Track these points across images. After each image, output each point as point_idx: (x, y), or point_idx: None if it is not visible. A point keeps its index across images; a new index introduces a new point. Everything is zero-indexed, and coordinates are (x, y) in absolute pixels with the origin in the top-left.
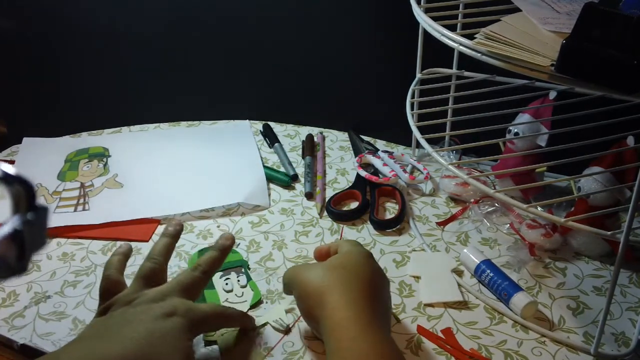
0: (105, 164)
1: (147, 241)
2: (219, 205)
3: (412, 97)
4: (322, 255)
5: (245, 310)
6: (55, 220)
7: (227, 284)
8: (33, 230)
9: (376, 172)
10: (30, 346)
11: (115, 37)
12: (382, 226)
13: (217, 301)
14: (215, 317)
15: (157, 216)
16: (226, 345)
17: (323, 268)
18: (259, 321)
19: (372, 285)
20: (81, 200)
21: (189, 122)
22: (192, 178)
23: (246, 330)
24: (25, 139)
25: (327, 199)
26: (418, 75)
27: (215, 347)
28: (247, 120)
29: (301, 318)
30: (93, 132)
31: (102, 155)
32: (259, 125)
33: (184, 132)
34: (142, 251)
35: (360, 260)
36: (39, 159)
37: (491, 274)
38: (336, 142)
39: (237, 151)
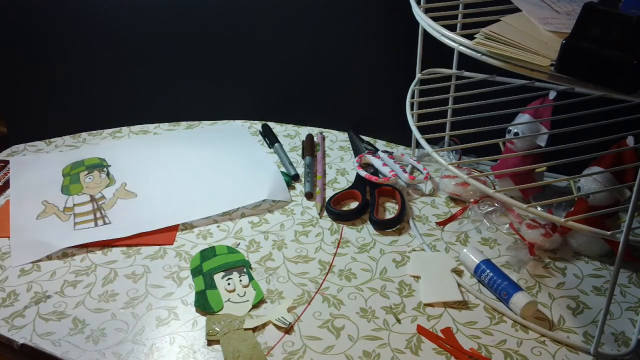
0: (108, 174)
1: (172, 244)
2: (244, 205)
3: (412, 97)
4: None
5: (247, 309)
6: (78, 237)
7: (229, 284)
8: None
9: (376, 172)
10: (30, 346)
11: (115, 37)
12: (382, 226)
13: (220, 301)
14: None
15: (185, 222)
16: (229, 345)
17: None
18: (261, 320)
19: None
20: (98, 214)
21: (189, 123)
22: (208, 181)
23: None
24: (12, 159)
25: (327, 199)
26: (418, 76)
27: (217, 346)
28: (240, 121)
29: (301, 317)
30: (93, 132)
31: (100, 165)
32: (258, 125)
33: (182, 136)
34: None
35: None
36: (34, 176)
37: (491, 274)
38: (336, 142)
39: (244, 151)
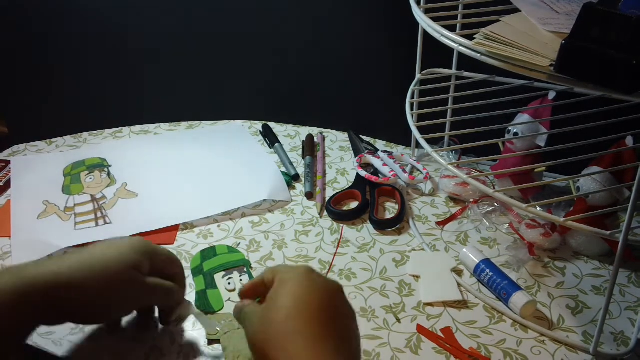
0: (109, 174)
1: (172, 244)
2: (245, 205)
3: (412, 97)
4: (250, 293)
5: None
6: (79, 237)
7: (229, 283)
8: None
9: (376, 172)
10: (30, 345)
11: (115, 37)
12: (382, 226)
13: (220, 301)
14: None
15: (186, 222)
16: (229, 344)
17: (260, 318)
18: None
19: (324, 322)
20: (99, 214)
21: (189, 123)
22: (208, 181)
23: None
24: (13, 159)
25: (327, 199)
26: (418, 76)
27: (217, 346)
28: (240, 121)
29: None
30: (94, 132)
31: (101, 165)
32: (258, 125)
33: (182, 136)
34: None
35: (303, 295)
36: (36, 176)
37: (490, 274)
38: (336, 142)
39: (244, 151)
